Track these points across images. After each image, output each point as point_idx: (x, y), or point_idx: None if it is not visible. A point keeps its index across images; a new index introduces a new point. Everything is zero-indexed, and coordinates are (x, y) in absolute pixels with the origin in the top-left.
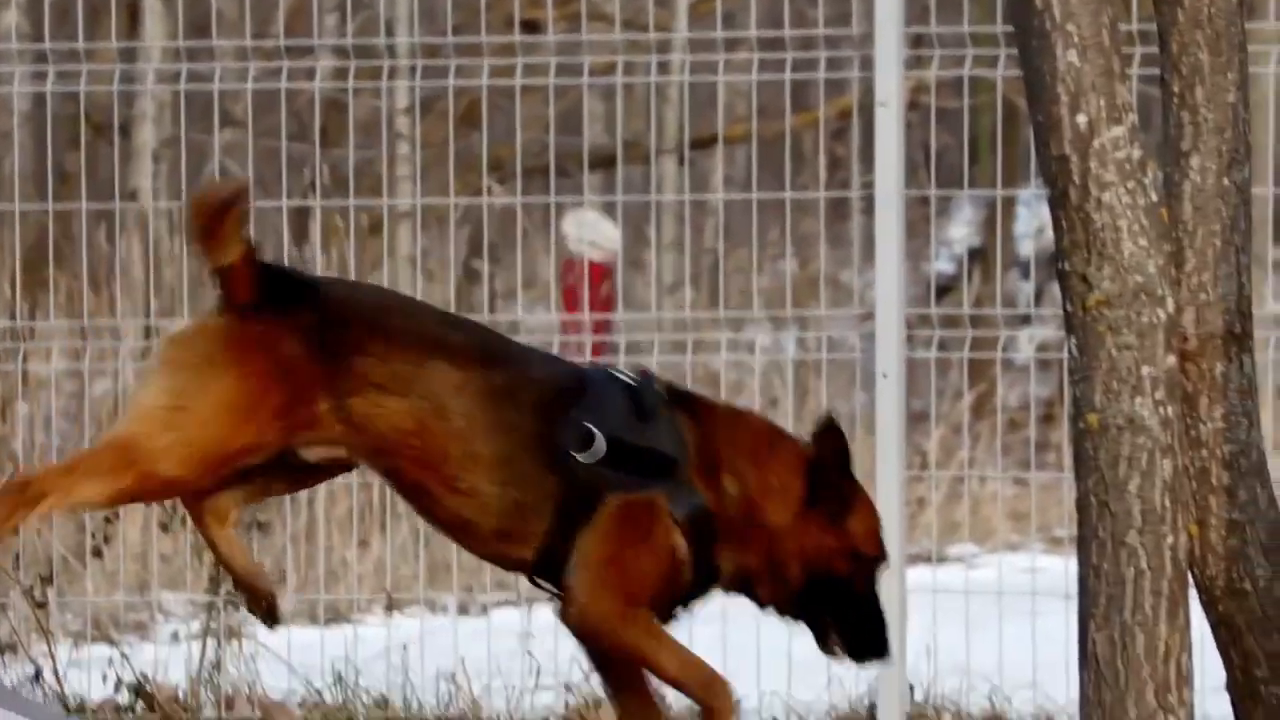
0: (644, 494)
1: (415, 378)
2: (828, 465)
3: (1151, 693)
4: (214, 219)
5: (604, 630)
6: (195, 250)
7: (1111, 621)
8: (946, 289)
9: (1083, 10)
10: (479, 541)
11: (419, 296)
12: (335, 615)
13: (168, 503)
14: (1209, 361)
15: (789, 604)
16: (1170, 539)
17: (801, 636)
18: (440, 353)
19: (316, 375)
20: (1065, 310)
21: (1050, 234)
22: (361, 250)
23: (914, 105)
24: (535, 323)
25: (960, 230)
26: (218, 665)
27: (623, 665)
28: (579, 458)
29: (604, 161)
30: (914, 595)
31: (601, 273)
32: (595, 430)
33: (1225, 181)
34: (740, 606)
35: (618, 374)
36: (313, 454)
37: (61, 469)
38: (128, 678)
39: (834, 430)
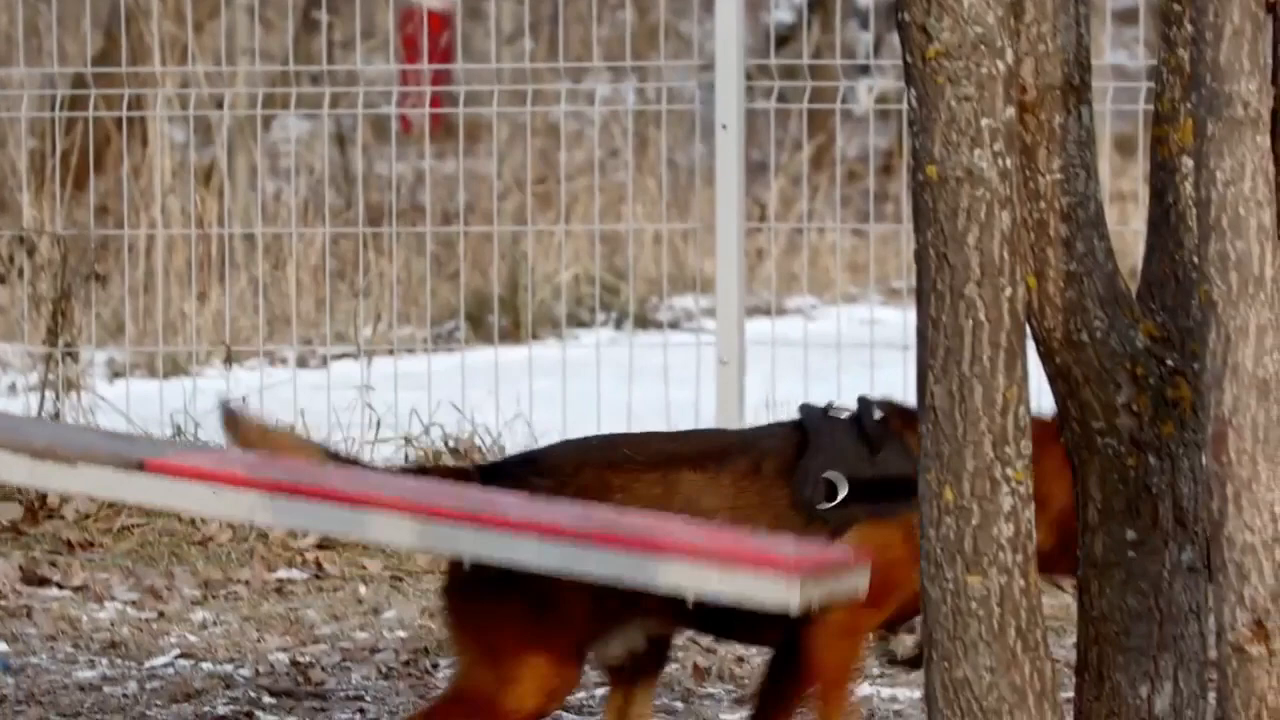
0: (898, 517)
1: (667, 497)
2: None
3: (989, 444)
4: None
5: (835, 641)
6: None
7: (949, 374)
8: (785, 39)
9: None
10: (746, 628)
11: (257, 48)
12: (174, 368)
13: (3, 254)
14: (1048, 113)
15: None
16: (1008, 291)
17: (642, 388)
18: (678, 464)
19: None
20: (904, 61)
21: None
22: (199, 0)
23: None
24: (374, 73)
25: None
26: (56, 417)
27: (792, 682)
28: (828, 508)
29: None
30: (753, 347)
31: (440, 22)
32: (835, 478)
33: None
34: (581, 359)
35: (833, 412)
36: (611, 650)
37: (427, 714)
38: None
39: None
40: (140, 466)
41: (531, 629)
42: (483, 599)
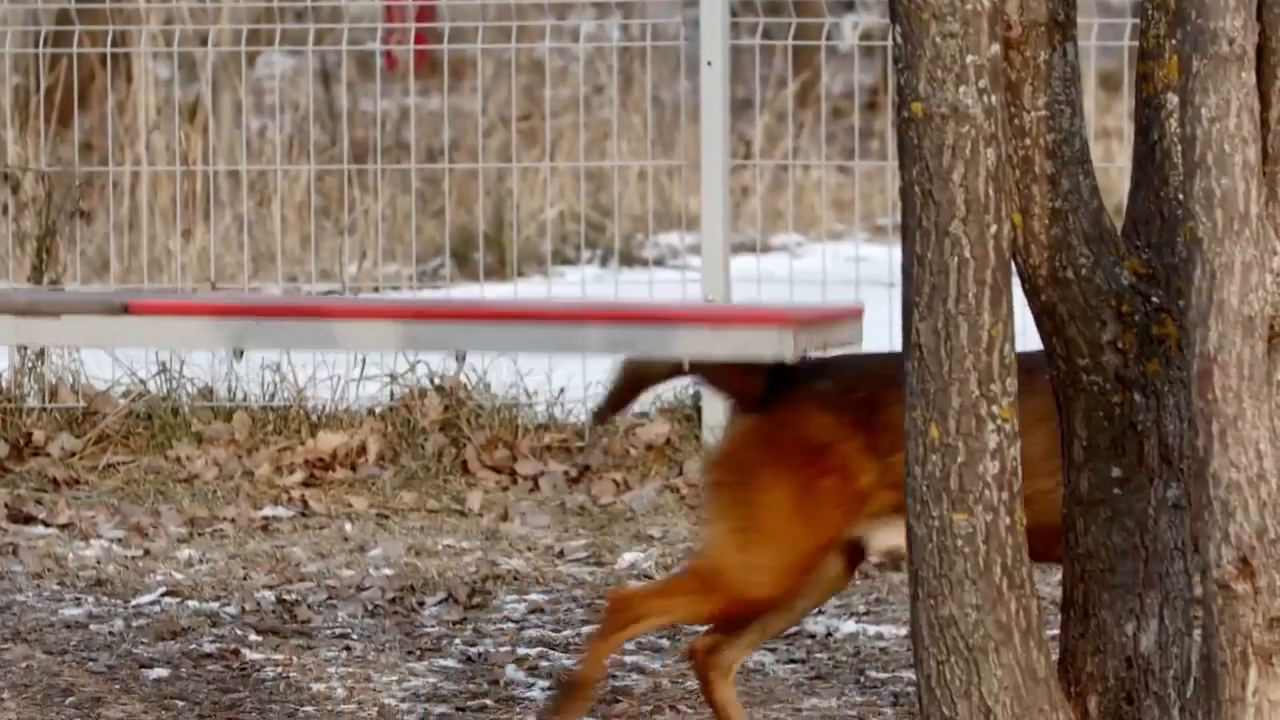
0: None
1: None
2: None
3: (975, 381)
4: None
5: None
6: None
7: (935, 311)
8: None
9: None
10: (1042, 548)
11: None
12: None
13: None
14: (1033, 49)
15: None
16: (994, 228)
17: None
18: None
19: (853, 448)
20: None
21: None
22: None
23: None
24: (359, 9)
25: None
26: (41, 354)
27: None
28: None
29: None
30: (739, 284)
31: None
32: None
33: None
34: (566, 297)
35: None
36: (880, 539)
37: (656, 592)
38: None
39: None
40: (124, 310)
41: (794, 514)
42: (752, 474)
